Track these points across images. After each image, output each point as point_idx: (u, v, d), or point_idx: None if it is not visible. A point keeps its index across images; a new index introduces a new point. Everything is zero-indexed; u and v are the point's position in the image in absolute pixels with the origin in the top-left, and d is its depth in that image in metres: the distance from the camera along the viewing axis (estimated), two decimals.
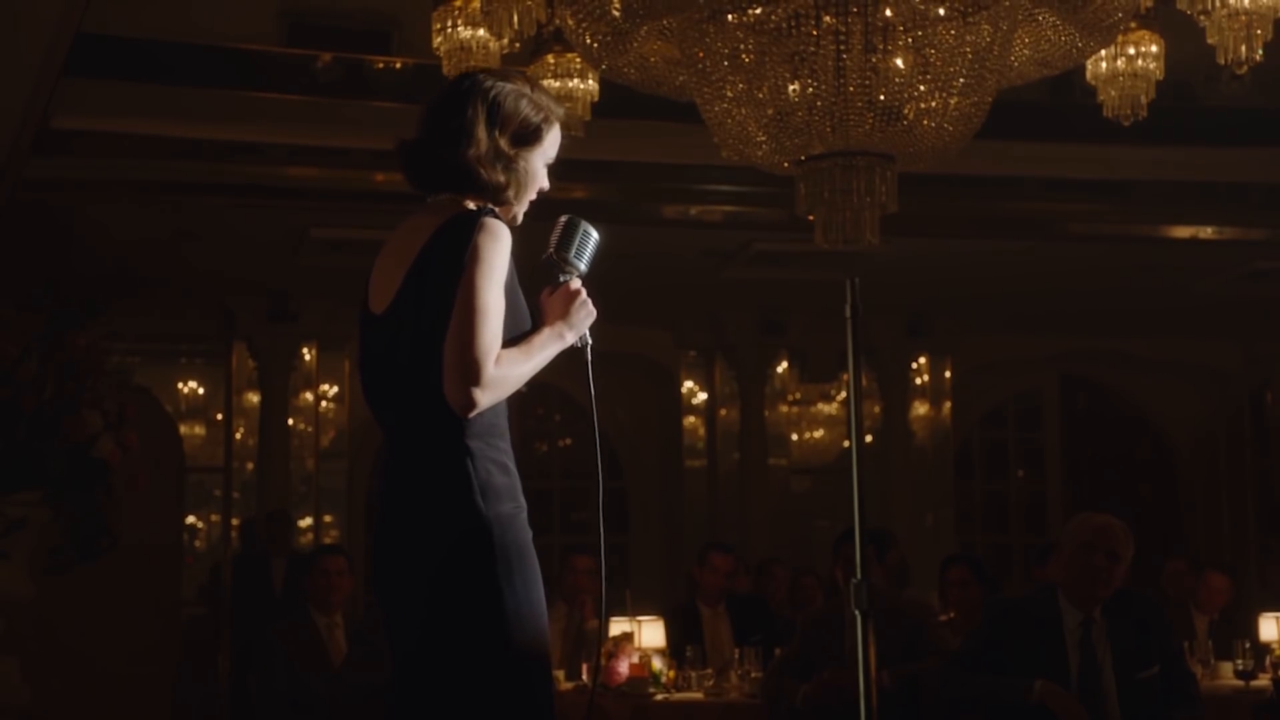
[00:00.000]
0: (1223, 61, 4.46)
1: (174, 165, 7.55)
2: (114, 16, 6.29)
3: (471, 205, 2.87)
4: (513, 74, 2.97)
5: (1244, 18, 4.35)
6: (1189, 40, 4.70)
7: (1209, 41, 4.46)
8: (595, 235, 2.91)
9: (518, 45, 4.71)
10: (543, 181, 2.98)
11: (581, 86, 5.08)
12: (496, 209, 2.87)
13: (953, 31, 4.64)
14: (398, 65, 7.40)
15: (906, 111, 4.73)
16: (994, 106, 4.95)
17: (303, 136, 7.20)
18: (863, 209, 4.92)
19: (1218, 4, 4.29)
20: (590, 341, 2.90)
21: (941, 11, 4.60)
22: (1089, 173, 8.63)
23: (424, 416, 2.77)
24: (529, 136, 2.92)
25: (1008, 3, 4.55)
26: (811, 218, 5.03)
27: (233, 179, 7.49)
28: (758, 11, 4.63)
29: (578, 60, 5.02)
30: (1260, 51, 4.43)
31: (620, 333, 11.42)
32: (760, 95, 4.77)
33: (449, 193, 2.89)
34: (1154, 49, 4.88)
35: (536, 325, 2.88)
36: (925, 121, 4.77)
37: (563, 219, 2.94)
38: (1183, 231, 9.33)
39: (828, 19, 4.59)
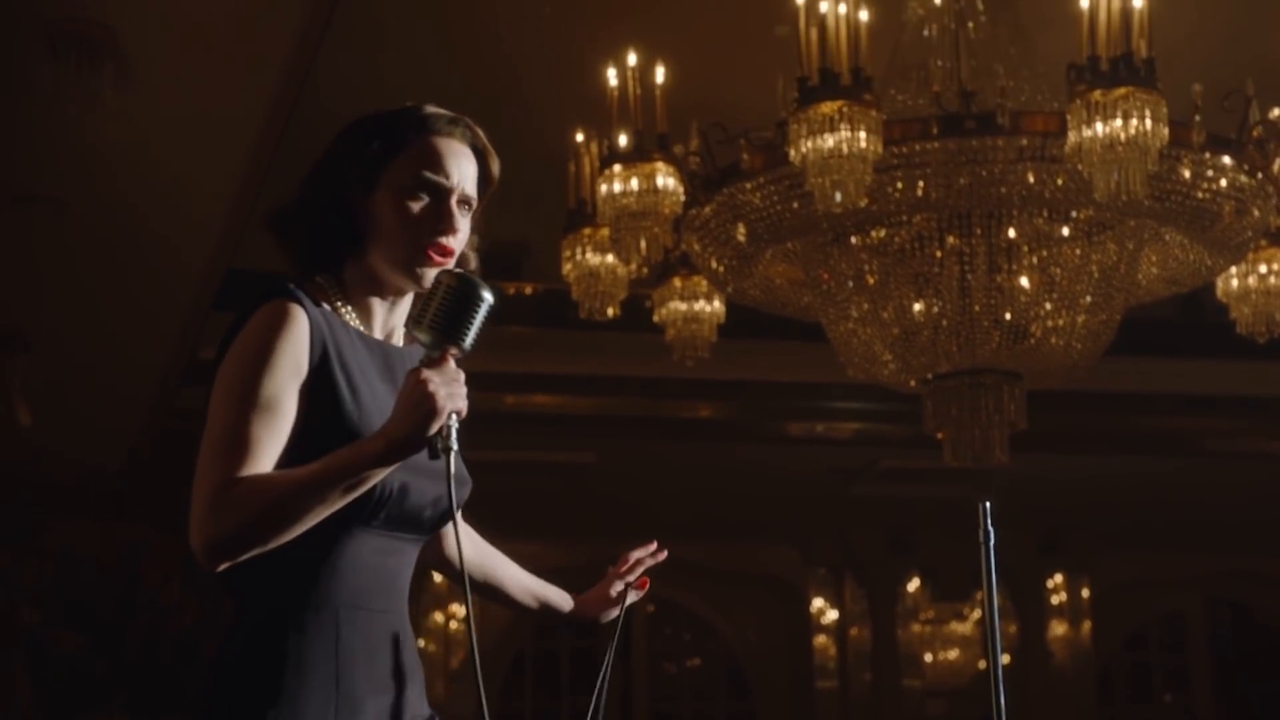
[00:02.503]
0: None
1: None
2: (261, 252, 6.55)
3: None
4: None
5: None
6: None
7: None
8: (486, 299, 1.91)
9: (645, 270, 4.82)
10: (414, 213, 2.01)
11: (708, 309, 5.16)
12: (316, 278, 2.02)
13: (1078, 251, 4.65)
14: (528, 291, 7.59)
15: (1033, 330, 4.73)
16: (1123, 322, 4.93)
17: None
18: (991, 427, 4.88)
19: None
20: (454, 447, 1.88)
21: (1066, 231, 4.63)
22: (1224, 388, 8.49)
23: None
24: (374, 162, 2.02)
25: (1133, 223, 4.57)
26: (940, 435, 5.01)
27: None
28: (881, 233, 4.69)
29: (704, 283, 5.11)
30: None
31: (748, 550, 11.34)
32: (885, 315, 4.80)
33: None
34: None
35: None
36: (1053, 339, 4.76)
37: (436, 277, 1.96)
38: None
39: (951, 240, 4.63)
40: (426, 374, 1.86)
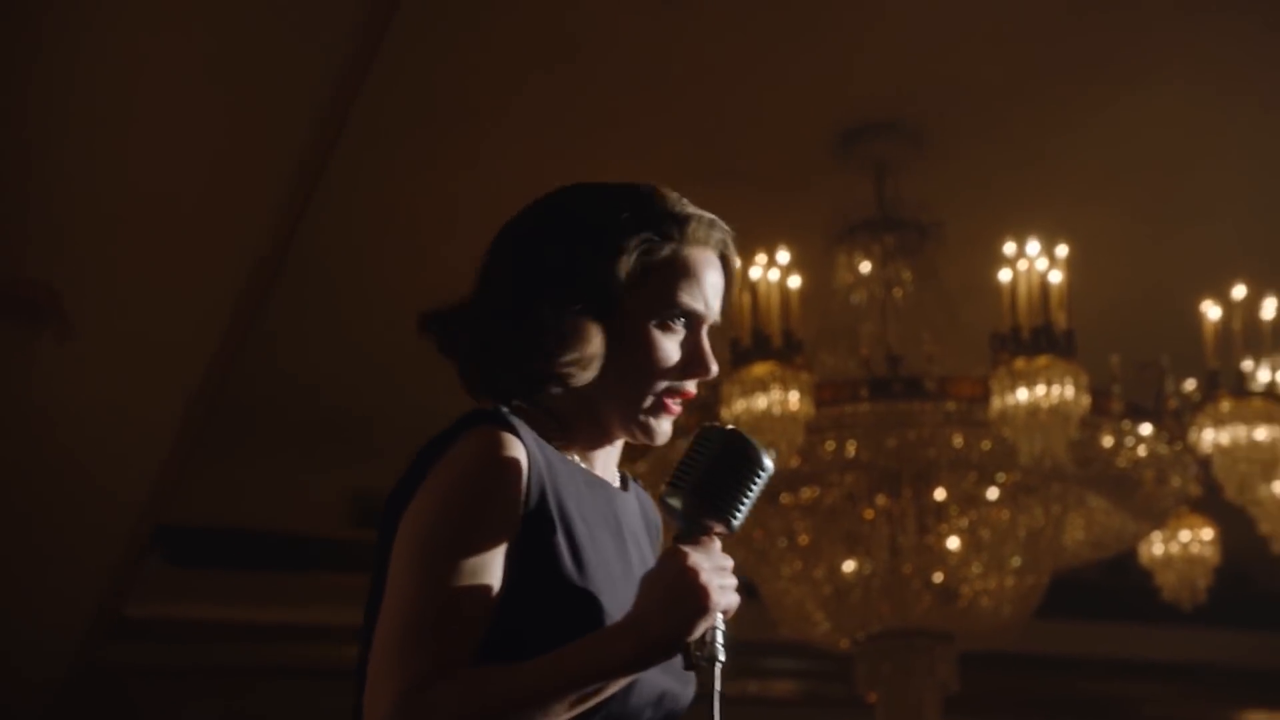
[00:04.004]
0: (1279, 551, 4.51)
1: (241, 650, 7.63)
2: (194, 506, 6.54)
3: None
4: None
5: None
6: (1246, 525, 4.76)
7: (1262, 530, 4.53)
8: (767, 467, 1.48)
9: None
10: (667, 350, 1.54)
11: None
12: (519, 406, 1.52)
13: (1005, 513, 4.73)
14: None
15: (964, 591, 4.77)
16: (1054, 584, 4.98)
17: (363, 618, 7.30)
18: (924, 689, 4.88)
19: (1265, 494, 4.39)
20: (721, 658, 1.50)
21: (993, 494, 4.71)
22: (1155, 653, 8.51)
23: None
24: (619, 272, 1.52)
25: (1057, 488, 4.67)
26: (872, 697, 4.99)
27: (296, 662, 7.55)
28: (813, 493, 4.76)
29: None
30: None
31: None
32: (817, 574, 4.83)
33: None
34: (1208, 535, 4.94)
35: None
36: (983, 600, 4.80)
37: (696, 431, 1.51)
38: (1255, 717, 9.08)
39: (881, 500, 4.71)
40: (694, 558, 1.43)
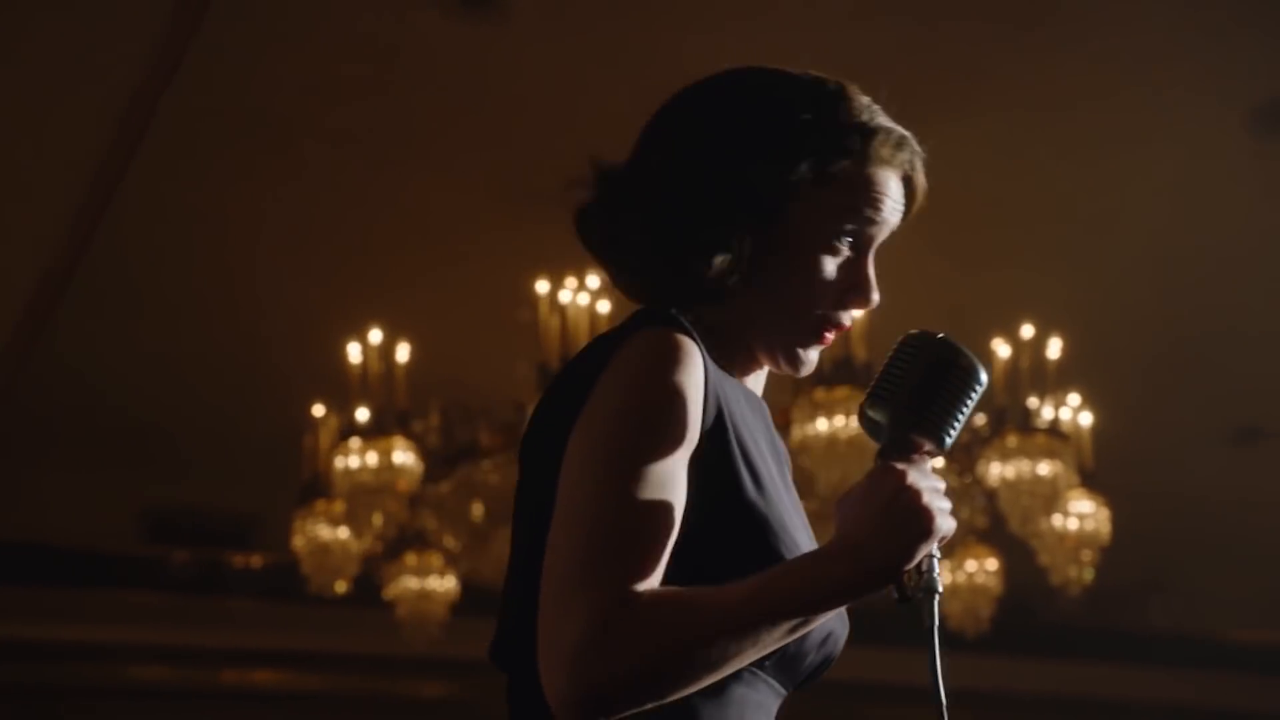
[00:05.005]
0: (1056, 582, 4.69)
1: (25, 669, 7.36)
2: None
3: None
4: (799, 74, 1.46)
5: (1071, 541, 4.63)
6: (1029, 557, 4.93)
7: (1041, 562, 4.70)
8: (982, 380, 1.34)
9: (380, 548, 4.79)
10: (829, 273, 1.40)
11: (441, 586, 5.14)
12: (682, 319, 1.33)
13: None
14: (255, 562, 7.42)
15: None
16: (854, 615, 5.08)
17: (153, 635, 7.11)
18: None
19: (1046, 527, 4.57)
20: (939, 589, 1.32)
21: None
22: (950, 681, 8.73)
23: (524, 706, 1.33)
24: (778, 170, 1.37)
25: None
26: None
27: (80, 682, 7.31)
28: None
29: (438, 558, 5.10)
30: (1090, 572, 4.68)
31: None
32: None
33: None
34: (992, 565, 5.10)
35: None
36: None
37: (901, 339, 1.38)
38: None
39: None
40: (913, 476, 1.26)
